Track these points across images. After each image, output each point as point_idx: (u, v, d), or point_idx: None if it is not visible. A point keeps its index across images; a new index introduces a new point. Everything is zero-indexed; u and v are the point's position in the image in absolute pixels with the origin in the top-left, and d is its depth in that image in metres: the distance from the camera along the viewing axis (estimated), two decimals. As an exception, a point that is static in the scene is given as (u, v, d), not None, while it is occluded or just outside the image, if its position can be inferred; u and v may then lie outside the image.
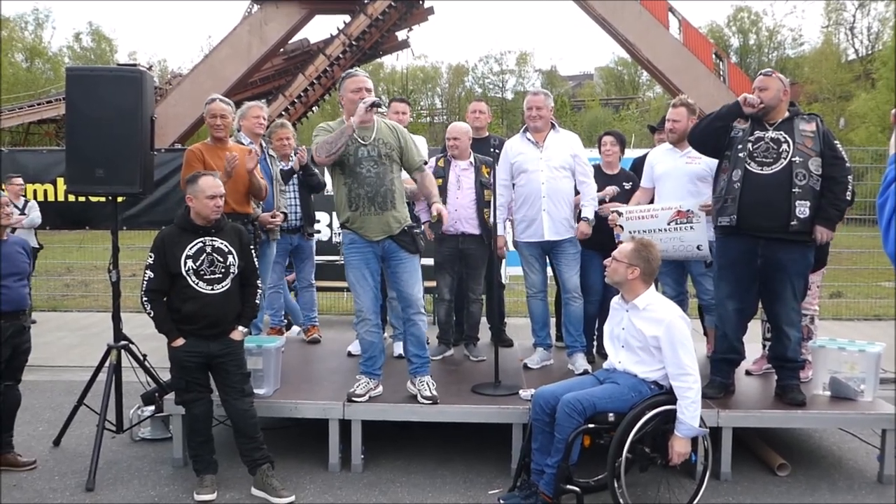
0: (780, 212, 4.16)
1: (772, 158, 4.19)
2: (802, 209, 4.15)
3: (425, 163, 4.60)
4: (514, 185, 5.09)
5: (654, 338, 3.62)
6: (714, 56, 25.59)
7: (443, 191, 5.30)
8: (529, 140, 5.05)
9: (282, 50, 29.26)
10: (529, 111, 5.03)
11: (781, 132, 4.23)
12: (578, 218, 5.03)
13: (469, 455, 4.50)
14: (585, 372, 4.85)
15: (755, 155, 4.23)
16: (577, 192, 5.09)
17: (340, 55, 27.44)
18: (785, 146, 4.19)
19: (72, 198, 9.00)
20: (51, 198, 9.10)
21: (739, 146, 4.28)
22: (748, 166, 4.23)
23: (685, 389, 3.54)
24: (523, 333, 6.48)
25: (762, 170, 4.20)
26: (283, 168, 5.77)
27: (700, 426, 3.58)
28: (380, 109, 4.24)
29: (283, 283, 6.19)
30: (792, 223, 4.14)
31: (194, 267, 3.89)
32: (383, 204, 4.20)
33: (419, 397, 4.29)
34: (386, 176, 4.22)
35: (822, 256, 4.90)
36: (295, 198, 5.89)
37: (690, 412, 3.53)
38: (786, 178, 4.16)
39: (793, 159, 4.15)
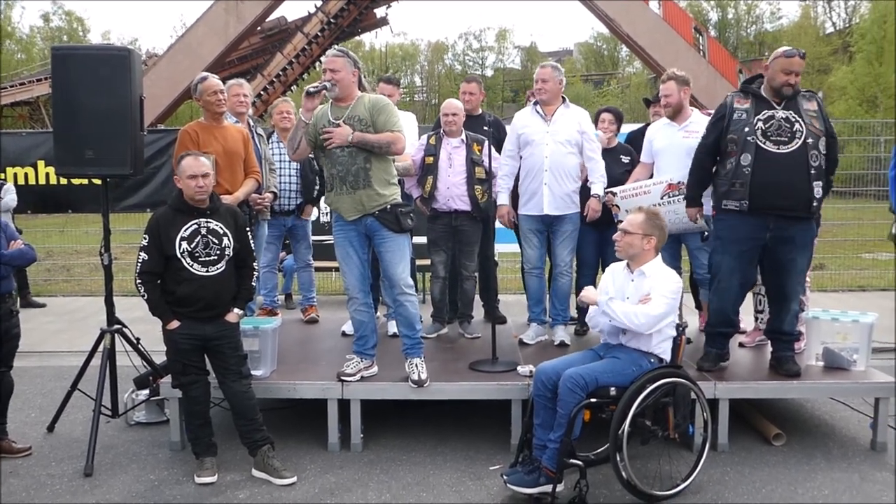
0: (800, 192, 4.16)
1: (786, 137, 4.14)
2: (818, 190, 4.18)
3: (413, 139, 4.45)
4: (521, 156, 5.07)
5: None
6: (694, 31, 25.54)
7: (434, 168, 5.29)
8: (538, 113, 5.02)
9: (259, 28, 28.81)
10: (536, 83, 5.02)
11: (791, 111, 4.19)
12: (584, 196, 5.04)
13: (468, 432, 4.51)
14: (563, 343, 5.02)
15: (769, 133, 4.16)
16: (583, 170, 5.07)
17: (319, 33, 27.08)
18: (798, 126, 4.15)
19: (53, 181, 8.86)
20: (31, 181, 8.92)
21: (747, 128, 4.19)
22: (762, 145, 4.15)
23: (633, 314, 3.60)
24: (515, 310, 6.50)
25: (778, 149, 4.14)
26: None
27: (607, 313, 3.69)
28: (327, 93, 4.13)
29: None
30: (813, 204, 4.18)
31: (189, 249, 3.84)
32: (355, 183, 4.13)
33: (409, 380, 4.27)
34: (359, 154, 4.12)
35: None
36: (293, 181, 5.82)
37: (617, 311, 3.63)
38: (803, 159, 4.15)
39: (807, 140, 4.14)
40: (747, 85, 4.39)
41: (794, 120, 4.16)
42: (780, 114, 4.19)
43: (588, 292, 3.87)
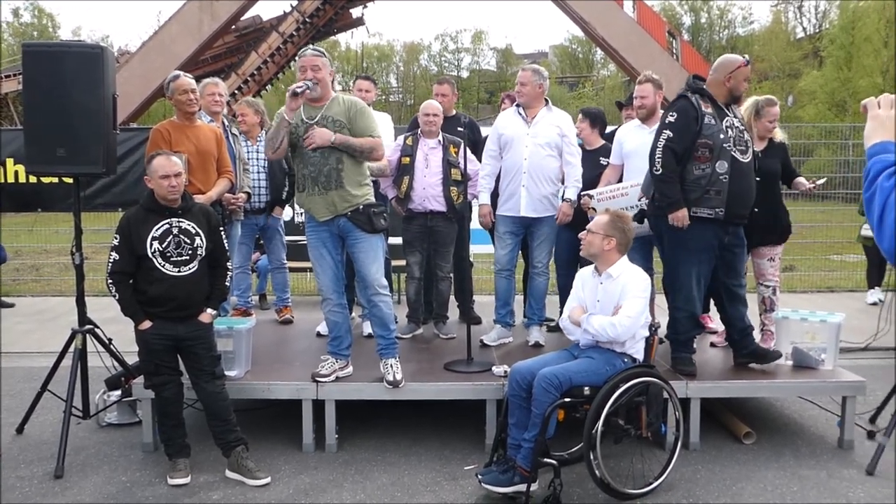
0: (751, 200, 4.30)
1: (744, 147, 4.22)
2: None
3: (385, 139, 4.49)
4: (502, 157, 5.09)
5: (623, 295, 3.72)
6: (667, 34, 25.80)
7: (410, 169, 5.29)
8: (520, 115, 5.04)
9: (233, 27, 28.59)
10: (516, 86, 5.05)
11: (737, 119, 4.29)
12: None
13: (443, 432, 4.52)
14: (537, 344, 5.03)
15: (738, 143, 4.20)
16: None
17: (294, 32, 26.90)
18: (747, 135, 4.27)
19: (22, 179, 8.72)
20: (-1, 179, 8.80)
21: (722, 135, 4.14)
22: (733, 153, 4.16)
23: (610, 324, 3.65)
24: (489, 311, 6.49)
25: (743, 158, 4.21)
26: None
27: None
28: (310, 93, 4.09)
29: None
30: (755, 209, 4.31)
31: (160, 249, 3.81)
32: (327, 184, 4.13)
33: (384, 381, 4.27)
34: (331, 155, 4.11)
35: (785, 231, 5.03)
36: (261, 179, 5.79)
37: (595, 326, 3.68)
38: (753, 168, 4.29)
39: (754, 150, 4.28)
40: (702, 87, 4.31)
41: (743, 128, 4.25)
42: (736, 122, 4.26)
43: (573, 314, 3.89)
